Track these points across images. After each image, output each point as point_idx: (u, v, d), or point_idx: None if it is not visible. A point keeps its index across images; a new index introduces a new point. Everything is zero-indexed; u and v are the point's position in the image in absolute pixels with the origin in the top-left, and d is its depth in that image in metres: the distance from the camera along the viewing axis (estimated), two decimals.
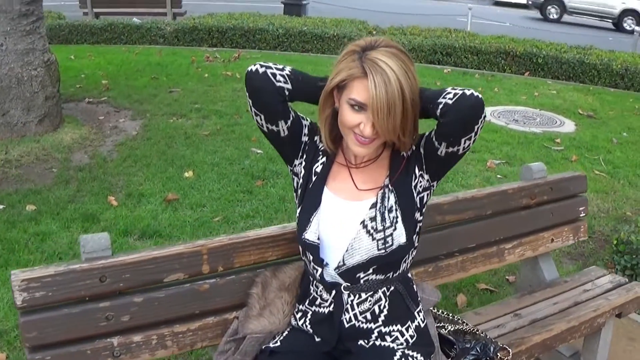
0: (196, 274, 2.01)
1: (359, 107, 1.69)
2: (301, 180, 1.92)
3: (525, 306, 2.67)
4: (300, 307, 1.97)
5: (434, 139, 1.77)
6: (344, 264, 1.84)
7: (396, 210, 1.82)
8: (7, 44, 5.44)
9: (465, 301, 3.54)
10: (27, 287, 1.80)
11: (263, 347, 1.94)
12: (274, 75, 1.79)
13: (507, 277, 3.85)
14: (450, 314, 2.38)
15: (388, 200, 1.83)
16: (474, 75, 9.69)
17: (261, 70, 1.79)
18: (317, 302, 1.92)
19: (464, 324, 2.35)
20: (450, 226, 2.54)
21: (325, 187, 1.89)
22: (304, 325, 1.95)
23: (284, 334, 1.96)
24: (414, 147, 1.86)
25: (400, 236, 1.81)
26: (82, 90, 7.58)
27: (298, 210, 1.90)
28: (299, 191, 1.93)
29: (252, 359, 1.95)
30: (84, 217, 4.26)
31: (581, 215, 2.97)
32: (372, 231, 1.81)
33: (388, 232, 1.80)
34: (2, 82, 5.44)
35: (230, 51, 10.54)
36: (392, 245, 1.80)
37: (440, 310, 2.39)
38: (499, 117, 7.33)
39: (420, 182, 1.86)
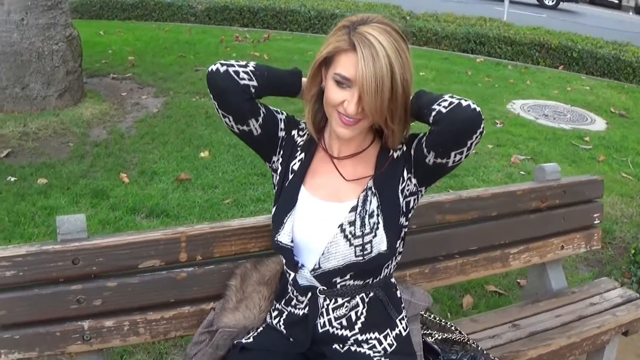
0: (173, 261, 1.94)
1: (345, 83, 1.59)
2: (278, 177, 1.82)
3: (525, 316, 2.54)
4: (277, 305, 1.89)
5: (424, 145, 1.66)
6: (319, 267, 1.73)
7: (378, 215, 1.71)
8: (28, 19, 5.43)
9: (472, 303, 3.42)
10: None
11: (235, 342, 1.86)
12: (237, 73, 1.67)
13: (518, 280, 3.71)
14: (443, 320, 2.26)
15: (370, 204, 1.72)
16: (506, 66, 9.45)
17: (222, 69, 1.67)
18: (293, 303, 1.83)
19: (456, 332, 2.23)
20: (451, 226, 2.42)
21: (302, 185, 1.78)
22: (278, 324, 1.86)
23: (259, 330, 1.88)
24: (404, 148, 1.75)
25: (380, 243, 1.69)
26: (107, 65, 7.57)
27: (273, 210, 1.80)
28: (276, 189, 1.84)
29: (225, 353, 1.88)
30: (94, 193, 4.23)
31: (595, 222, 2.82)
32: (349, 236, 1.70)
33: (367, 238, 1.69)
34: (23, 56, 5.44)
35: (261, 32, 10.45)
36: (370, 252, 1.69)
37: (432, 316, 2.27)
38: (528, 111, 7.13)
39: (408, 185, 1.74)
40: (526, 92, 8.00)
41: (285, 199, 1.77)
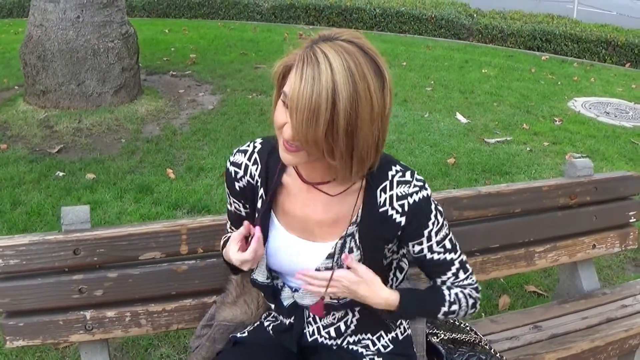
0: (174, 254, 1.93)
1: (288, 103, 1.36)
2: (248, 218, 1.68)
3: (549, 318, 2.41)
4: (271, 310, 1.84)
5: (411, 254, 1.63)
6: (294, 301, 1.69)
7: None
8: (83, 16, 5.57)
9: (508, 303, 3.29)
10: (2, 254, 1.80)
11: (230, 336, 1.83)
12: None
13: None
14: (457, 320, 2.17)
15: (349, 252, 1.57)
16: (572, 63, 9.10)
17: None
18: (280, 310, 1.76)
19: (471, 332, 2.13)
20: (470, 223, 2.32)
21: (273, 216, 1.63)
22: (267, 328, 1.81)
23: (255, 325, 1.84)
24: (398, 217, 1.56)
25: None
26: (168, 63, 7.70)
27: None
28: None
29: (221, 346, 1.85)
30: (139, 188, 4.30)
31: (631, 220, 2.65)
32: None
33: None
34: (79, 53, 5.58)
35: (326, 30, 10.41)
36: (345, 298, 1.61)
37: None
38: (590, 108, 6.85)
39: (393, 247, 1.63)
40: (589, 90, 7.68)
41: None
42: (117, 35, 5.75)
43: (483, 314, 3.19)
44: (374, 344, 1.73)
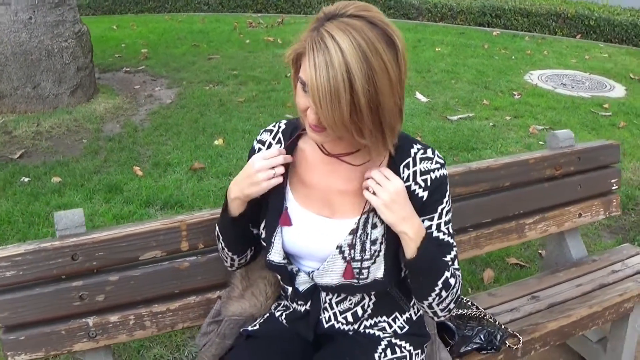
0: (174, 251, 1.88)
1: (306, 87, 1.38)
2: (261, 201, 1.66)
3: (545, 287, 2.46)
4: (281, 299, 1.83)
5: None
6: (312, 281, 1.66)
7: (381, 244, 1.57)
8: (35, 17, 5.39)
9: (493, 277, 3.34)
10: None
11: (241, 330, 1.81)
12: (234, 264, 1.80)
13: (540, 251, 3.62)
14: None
15: (372, 229, 1.57)
16: (523, 37, 9.27)
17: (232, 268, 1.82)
18: (295, 299, 1.75)
19: (472, 307, 2.17)
20: (462, 199, 2.33)
21: (289, 191, 1.63)
22: (280, 318, 1.80)
23: (265, 317, 1.82)
24: (420, 191, 1.58)
25: (377, 270, 1.58)
26: (120, 59, 7.55)
27: (263, 233, 1.68)
28: (262, 211, 1.68)
29: (232, 342, 1.82)
30: (108, 188, 4.21)
31: (613, 187, 2.71)
32: (348, 258, 1.57)
33: (366, 264, 1.57)
34: (32, 54, 5.41)
35: (275, 16, 10.37)
36: (366, 278, 1.59)
37: None
38: (546, 81, 6.98)
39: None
40: (544, 63, 7.83)
41: (271, 217, 1.64)
42: (71, 34, 5.59)
43: (469, 289, 3.23)
44: (390, 326, 1.73)
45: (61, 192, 4.15)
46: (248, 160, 1.64)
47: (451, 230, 1.63)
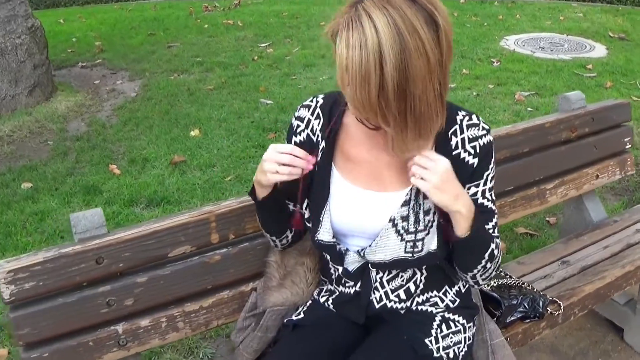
0: (205, 244, 1.87)
1: None
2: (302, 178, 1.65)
3: (572, 252, 2.51)
4: (324, 284, 1.84)
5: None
6: (363, 257, 1.66)
7: (434, 213, 1.59)
8: None
9: (505, 248, 3.39)
10: (14, 279, 1.64)
11: (285, 320, 1.81)
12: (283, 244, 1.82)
13: (547, 218, 3.69)
14: None
15: (424, 198, 1.58)
16: (492, 2, 9.36)
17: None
18: (342, 281, 1.76)
19: (507, 276, 2.20)
20: None
21: (334, 168, 1.64)
22: (326, 303, 1.80)
23: (307, 305, 1.82)
24: (470, 157, 1.59)
25: (431, 242, 1.60)
26: (74, 54, 7.42)
27: (305, 212, 1.69)
28: (301, 189, 1.66)
29: (275, 334, 1.82)
30: (85, 190, 4.14)
31: (627, 146, 2.78)
32: (402, 231, 1.59)
33: (420, 235, 1.59)
34: None
35: None
36: (421, 251, 1.60)
37: None
38: (523, 45, 7.07)
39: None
40: (517, 27, 7.93)
41: (317, 195, 1.65)
42: (24, 30, 5.45)
43: None
44: (442, 300, 1.75)
45: (35, 198, 4.07)
46: (286, 138, 1.68)
47: (494, 197, 1.65)
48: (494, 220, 1.65)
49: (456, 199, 1.51)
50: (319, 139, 1.65)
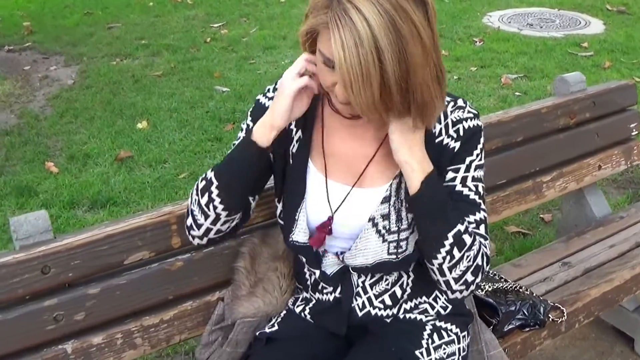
0: (165, 249, 1.86)
1: (331, 64, 1.41)
2: (276, 167, 1.71)
3: (574, 252, 2.56)
4: (300, 292, 1.85)
5: None
6: (343, 262, 1.68)
7: None
8: None
9: (495, 249, 3.44)
10: None
11: (257, 333, 1.81)
12: (215, 224, 1.68)
13: (541, 215, 3.75)
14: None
15: (406, 193, 1.61)
16: None
17: (201, 239, 1.74)
18: (319, 287, 1.77)
19: (502, 280, 2.23)
20: None
21: (310, 163, 1.67)
22: (302, 313, 1.82)
23: (282, 315, 1.84)
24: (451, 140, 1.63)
25: (416, 239, 1.64)
26: None
27: (279, 209, 1.73)
28: (275, 182, 1.74)
29: (245, 349, 1.83)
30: (18, 191, 4.09)
31: (633, 133, 2.83)
32: (383, 231, 1.62)
33: (403, 235, 1.62)
34: None
35: None
36: (405, 250, 1.63)
37: None
38: (509, 22, 7.16)
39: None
40: (502, 2, 8.03)
41: (292, 191, 1.68)
42: None
43: None
44: (432, 307, 1.77)
45: None
46: (250, 118, 1.71)
47: (480, 190, 1.66)
48: (478, 215, 1.64)
49: (410, 150, 1.53)
50: (292, 126, 1.67)
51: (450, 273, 1.60)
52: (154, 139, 4.75)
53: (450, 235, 1.56)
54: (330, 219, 1.63)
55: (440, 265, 1.59)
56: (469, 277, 1.61)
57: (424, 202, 1.55)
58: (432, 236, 1.58)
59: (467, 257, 1.59)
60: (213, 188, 1.63)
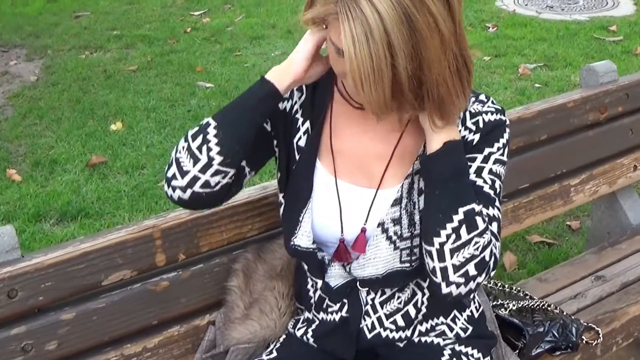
0: (148, 268, 1.87)
1: (342, 54, 1.42)
2: (279, 162, 1.73)
3: (608, 264, 2.56)
4: (301, 312, 1.85)
5: None
6: (350, 274, 1.68)
7: None
8: None
9: (516, 261, 3.44)
10: None
11: None
12: (207, 183, 1.60)
13: (567, 222, 3.76)
14: (506, 285, 2.26)
15: (419, 195, 1.64)
16: None
17: (187, 194, 1.62)
18: (324, 306, 1.77)
19: (527, 297, 2.22)
20: None
21: (317, 162, 1.68)
22: (305, 337, 1.81)
23: (281, 340, 1.84)
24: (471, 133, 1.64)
25: None
26: None
27: (282, 207, 1.73)
28: (279, 177, 1.75)
29: None
30: None
31: None
32: (394, 237, 1.63)
33: (417, 241, 1.63)
34: None
35: None
36: (419, 257, 1.63)
37: (491, 282, 2.26)
38: (525, 5, 7.20)
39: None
40: None
41: (297, 189, 1.69)
42: None
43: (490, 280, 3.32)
44: (451, 329, 1.77)
45: None
46: None
47: (497, 187, 1.64)
48: (492, 211, 1.61)
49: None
50: (299, 115, 1.69)
51: (451, 258, 1.54)
52: (130, 142, 4.76)
53: (461, 210, 1.53)
54: (364, 230, 1.64)
55: (442, 245, 1.54)
56: (471, 269, 1.55)
57: (440, 163, 1.55)
58: (440, 207, 1.55)
59: (476, 243, 1.54)
60: (210, 129, 1.59)
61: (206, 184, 1.60)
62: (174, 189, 1.62)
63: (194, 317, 1.94)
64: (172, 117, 5.07)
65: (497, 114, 1.64)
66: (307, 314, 1.82)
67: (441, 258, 1.54)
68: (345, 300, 1.73)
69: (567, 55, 5.88)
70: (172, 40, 6.72)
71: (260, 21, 7.14)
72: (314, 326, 1.80)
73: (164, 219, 1.88)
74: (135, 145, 4.70)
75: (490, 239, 1.57)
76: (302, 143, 1.68)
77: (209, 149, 1.57)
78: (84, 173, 4.39)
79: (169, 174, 1.62)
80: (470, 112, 1.62)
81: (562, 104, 2.54)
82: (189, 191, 1.60)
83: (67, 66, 6.17)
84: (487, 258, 1.56)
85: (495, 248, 1.60)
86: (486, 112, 1.63)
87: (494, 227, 1.61)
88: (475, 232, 1.53)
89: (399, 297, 1.72)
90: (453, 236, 1.53)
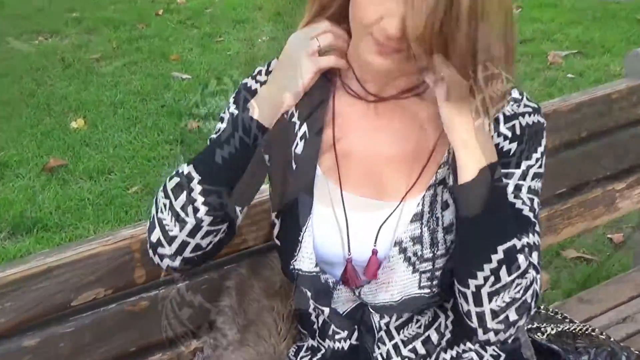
0: (125, 285, 1.87)
1: None
2: (273, 171, 1.70)
3: None
4: (305, 339, 1.85)
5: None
6: (359, 298, 1.67)
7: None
8: None
9: (549, 280, 3.45)
10: None
11: None
12: (194, 235, 1.61)
13: (609, 235, 3.77)
14: (542, 307, 2.27)
15: (443, 209, 1.61)
16: None
17: (173, 260, 1.65)
18: (330, 333, 1.76)
19: (567, 320, 2.23)
20: None
21: (317, 170, 1.65)
22: None
23: None
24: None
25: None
26: None
27: (277, 224, 1.71)
28: (272, 189, 1.74)
29: None
30: None
31: None
32: (413, 259, 1.60)
33: (439, 263, 1.60)
34: None
35: None
36: (442, 284, 1.61)
37: None
38: None
39: None
40: None
41: (294, 204, 1.66)
42: None
43: None
44: (480, 356, 1.77)
45: None
46: (233, 105, 1.69)
47: (536, 207, 1.64)
48: (532, 238, 1.60)
49: (470, 127, 1.48)
50: (295, 119, 1.67)
51: (490, 302, 1.53)
52: (94, 142, 4.79)
53: (501, 249, 1.51)
54: (375, 252, 1.61)
55: (479, 288, 1.53)
56: (512, 314, 1.55)
57: (477, 195, 1.50)
58: (476, 245, 1.53)
59: (517, 285, 1.53)
60: (194, 184, 1.60)
61: (197, 247, 1.63)
62: (161, 258, 1.65)
63: (178, 343, 1.94)
64: (143, 113, 5.09)
65: (534, 115, 1.62)
66: (310, 341, 1.82)
67: (477, 302, 1.53)
68: (355, 326, 1.73)
69: (605, 40, 5.91)
70: (142, 24, 6.76)
71: (244, 2, 7.17)
72: (319, 355, 1.79)
73: (142, 229, 1.87)
74: (100, 146, 4.74)
75: (533, 277, 1.56)
76: (299, 150, 1.66)
77: (195, 210, 1.59)
78: (39, 178, 4.42)
79: (153, 239, 1.64)
80: (503, 115, 1.59)
81: (605, 95, 2.55)
82: (178, 258, 1.64)
83: (17, 54, 6.20)
84: (529, 300, 1.55)
85: (537, 284, 1.58)
86: (522, 114, 1.61)
87: (534, 257, 1.59)
88: (517, 273, 1.52)
89: (418, 321, 1.70)
90: (492, 279, 1.51)
